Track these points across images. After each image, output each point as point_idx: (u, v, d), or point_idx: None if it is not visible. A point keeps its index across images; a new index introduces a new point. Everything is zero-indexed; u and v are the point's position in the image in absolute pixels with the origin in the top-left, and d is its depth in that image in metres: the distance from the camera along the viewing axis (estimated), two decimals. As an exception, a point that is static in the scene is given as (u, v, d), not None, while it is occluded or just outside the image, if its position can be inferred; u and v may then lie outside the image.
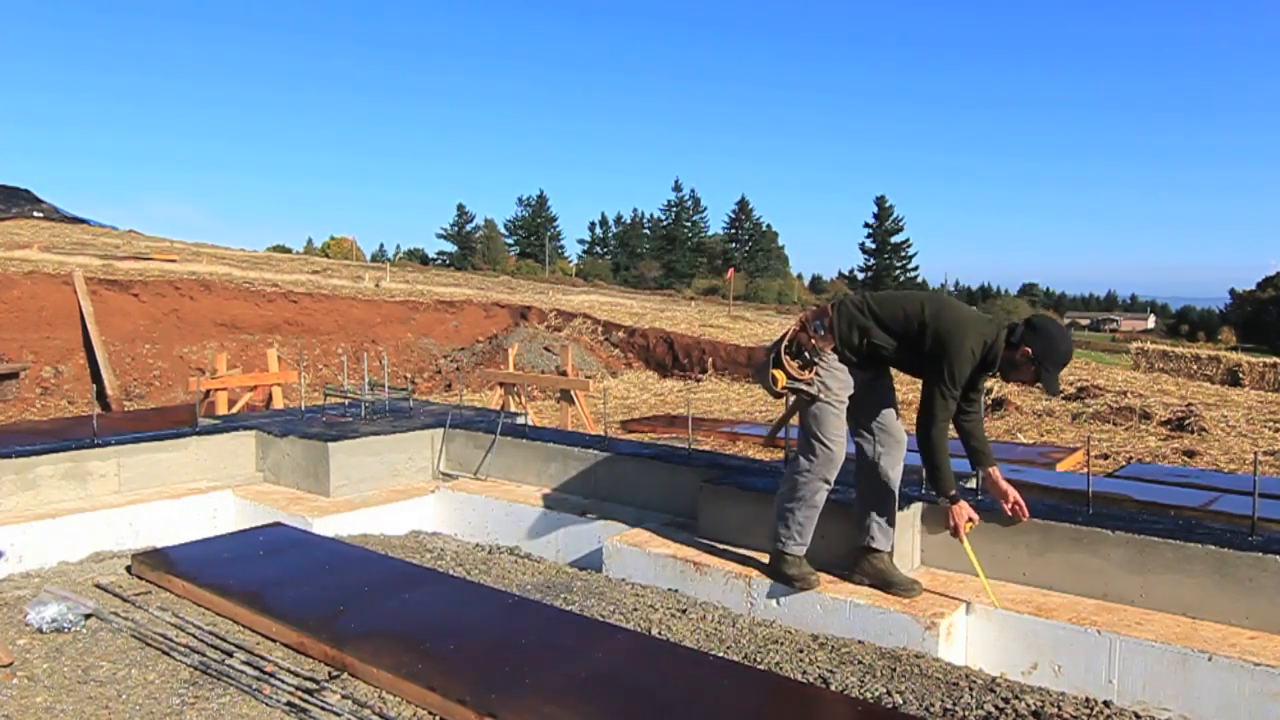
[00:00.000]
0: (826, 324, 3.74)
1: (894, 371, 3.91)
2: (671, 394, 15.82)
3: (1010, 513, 3.70)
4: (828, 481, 3.76)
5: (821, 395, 3.71)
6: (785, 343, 3.76)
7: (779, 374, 3.71)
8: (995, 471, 3.74)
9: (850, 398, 3.76)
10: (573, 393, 11.24)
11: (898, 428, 3.84)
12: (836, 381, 3.73)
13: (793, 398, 3.84)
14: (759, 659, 3.28)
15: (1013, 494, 3.70)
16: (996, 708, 2.88)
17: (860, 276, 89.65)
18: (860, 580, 3.75)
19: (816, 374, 3.72)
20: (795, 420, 4.05)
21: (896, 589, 3.63)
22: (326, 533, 4.85)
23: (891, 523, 3.77)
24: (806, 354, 3.71)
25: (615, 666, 2.99)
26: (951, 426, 3.71)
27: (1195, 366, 22.44)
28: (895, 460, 3.78)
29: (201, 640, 3.25)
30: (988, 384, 14.38)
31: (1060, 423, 12.14)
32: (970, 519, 3.63)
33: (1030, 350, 3.52)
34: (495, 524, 5.27)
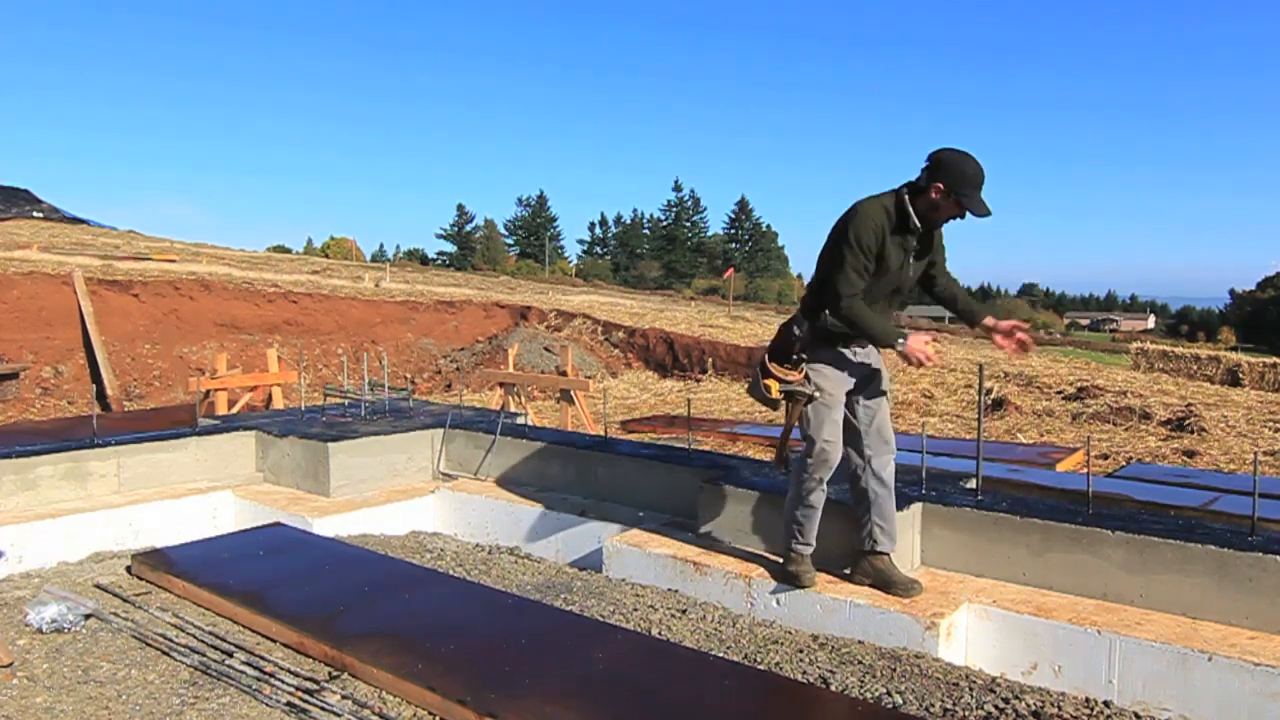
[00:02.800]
0: (803, 324, 3.72)
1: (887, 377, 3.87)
2: (671, 394, 15.83)
3: (1016, 344, 3.60)
4: (822, 481, 3.74)
5: (815, 395, 3.69)
6: (770, 351, 3.76)
7: (771, 382, 3.70)
8: (991, 318, 3.69)
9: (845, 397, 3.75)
10: (573, 393, 11.24)
11: (888, 431, 3.82)
12: (828, 380, 3.71)
13: (789, 405, 3.81)
14: (759, 659, 3.28)
15: (1007, 324, 3.64)
16: (996, 708, 2.88)
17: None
18: (861, 580, 3.75)
19: (806, 375, 3.70)
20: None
21: (897, 589, 3.62)
22: (326, 533, 4.85)
23: (892, 523, 3.76)
24: (793, 356, 3.70)
25: (615, 667, 2.99)
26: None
27: (1195, 366, 22.44)
28: (886, 462, 3.75)
29: (201, 640, 3.25)
30: (989, 386, 14.38)
31: (1060, 423, 12.14)
32: (928, 341, 3.56)
33: (941, 184, 3.42)
34: (495, 524, 5.27)
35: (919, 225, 3.53)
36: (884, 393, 3.83)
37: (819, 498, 3.78)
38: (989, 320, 3.69)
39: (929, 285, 3.85)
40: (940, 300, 3.88)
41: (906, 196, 3.53)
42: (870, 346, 3.78)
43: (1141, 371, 21.06)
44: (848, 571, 3.83)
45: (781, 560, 3.91)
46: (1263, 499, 3.81)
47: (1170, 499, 6.16)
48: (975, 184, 3.45)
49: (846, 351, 3.74)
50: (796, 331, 3.74)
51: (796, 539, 3.82)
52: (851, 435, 3.77)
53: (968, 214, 3.49)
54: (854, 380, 3.77)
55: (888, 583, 3.66)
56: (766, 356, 3.73)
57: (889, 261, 3.56)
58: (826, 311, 3.64)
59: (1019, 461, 8.22)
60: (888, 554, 3.74)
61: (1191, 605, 3.35)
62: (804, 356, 3.69)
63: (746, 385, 3.89)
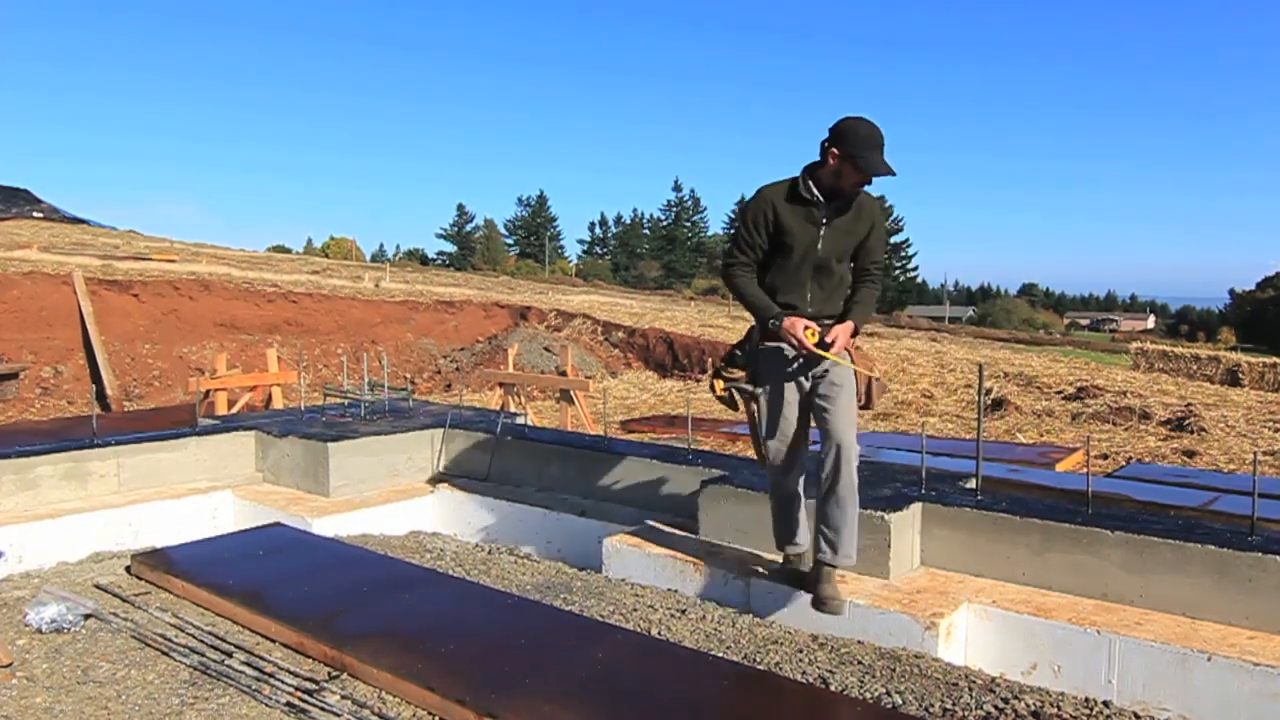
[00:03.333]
0: (794, 320, 3.58)
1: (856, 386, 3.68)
2: (671, 394, 15.83)
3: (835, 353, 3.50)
4: (781, 479, 3.74)
5: (757, 392, 3.67)
6: (725, 357, 3.81)
7: (716, 381, 3.73)
8: (841, 326, 3.54)
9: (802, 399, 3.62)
10: (572, 393, 11.24)
11: (842, 431, 3.57)
12: (770, 376, 3.66)
13: (745, 404, 3.79)
14: (759, 659, 3.28)
15: (840, 342, 3.51)
16: (996, 708, 2.88)
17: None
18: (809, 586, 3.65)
19: (755, 370, 3.68)
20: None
21: (823, 604, 3.48)
22: (326, 533, 4.85)
23: (840, 532, 3.55)
24: (739, 353, 3.72)
25: (615, 666, 2.99)
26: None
27: (1195, 366, 22.45)
28: (840, 464, 3.54)
29: (201, 640, 3.25)
30: (989, 386, 14.35)
31: (1060, 423, 12.14)
32: (808, 326, 3.46)
33: (837, 150, 3.40)
34: (495, 524, 5.27)
35: (818, 194, 3.48)
36: (840, 389, 3.60)
37: (790, 494, 3.79)
38: (839, 326, 3.56)
39: (855, 267, 3.71)
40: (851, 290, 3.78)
41: (805, 171, 3.55)
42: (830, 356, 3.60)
43: (1141, 371, 21.07)
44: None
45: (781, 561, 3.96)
46: (1262, 499, 3.81)
47: (1170, 499, 6.16)
48: (869, 145, 3.40)
49: (789, 346, 3.58)
50: (795, 321, 3.64)
51: (780, 540, 3.89)
52: (818, 435, 3.66)
53: (871, 176, 3.43)
54: (800, 375, 3.63)
55: (820, 598, 3.50)
56: (721, 359, 3.80)
57: (794, 234, 3.51)
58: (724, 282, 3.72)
59: (1019, 461, 8.23)
60: (830, 565, 3.57)
61: (1191, 605, 3.35)
62: (751, 351, 3.70)
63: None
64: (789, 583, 3.82)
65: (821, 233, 3.55)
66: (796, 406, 3.67)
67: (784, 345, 3.60)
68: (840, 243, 3.60)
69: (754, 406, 3.74)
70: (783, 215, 3.54)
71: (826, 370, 3.61)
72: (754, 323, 3.72)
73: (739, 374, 3.71)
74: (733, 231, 3.73)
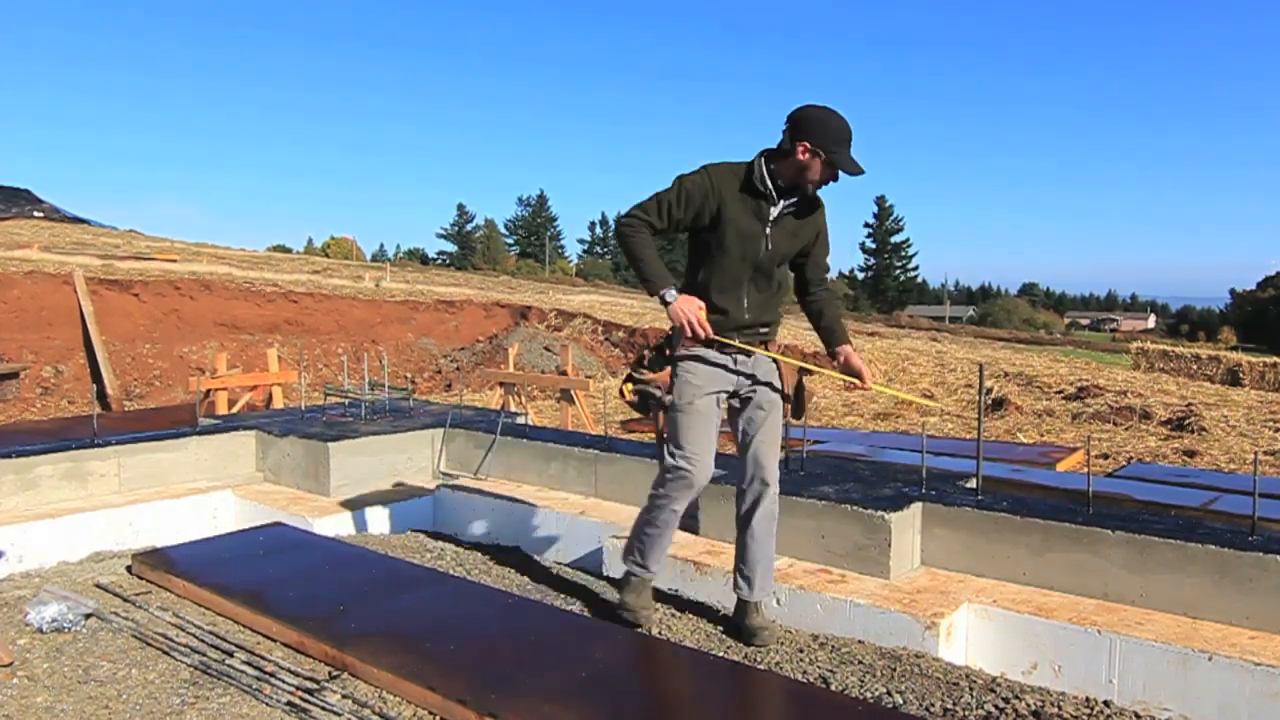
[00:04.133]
0: (688, 302, 3.22)
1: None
2: (671, 394, 15.80)
3: (860, 384, 3.27)
4: (672, 502, 3.30)
5: (667, 400, 3.24)
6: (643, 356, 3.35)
7: (626, 385, 3.29)
8: (848, 349, 3.32)
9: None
10: (573, 392, 11.24)
11: (766, 457, 3.36)
12: (690, 386, 3.23)
13: (655, 412, 3.34)
14: (759, 659, 3.28)
15: (865, 371, 3.29)
16: (996, 708, 2.88)
17: (860, 276, 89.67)
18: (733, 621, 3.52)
19: (673, 376, 3.25)
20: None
21: (755, 639, 3.38)
22: (326, 533, 4.85)
23: (756, 569, 3.40)
24: (656, 354, 3.29)
25: (615, 666, 2.99)
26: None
27: (1195, 366, 22.45)
28: (759, 494, 3.35)
29: (202, 640, 3.25)
30: (989, 385, 14.34)
31: (1060, 423, 12.14)
32: (700, 307, 3.15)
33: (808, 142, 3.07)
34: (495, 524, 5.27)
35: (772, 188, 3.17)
36: (767, 415, 3.32)
37: (668, 519, 3.34)
38: (847, 354, 3.32)
39: (800, 279, 3.41)
40: (805, 310, 3.46)
41: (763, 159, 3.19)
42: (756, 349, 3.32)
43: (1142, 371, 21.07)
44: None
45: (620, 580, 3.56)
46: (1263, 499, 3.81)
47: (1170, 499, 6.16)
48: (841, 139, 3.11)
49: (714, 352, 3.25)
50: (671, 328, 3.29)
51: (635, 559, 3.44)
52: (738, 459, 3.39)
53: (839, 173, 3.15)
54: (727, 387, 3.30)
55: (739, 629, 3.41)
56: (638, 360, 3.35)
57: (739, 229, 3.15)
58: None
59: (1019, 461, 8.22)
60: (749, 600, 3.40)
61: (1192, 605, 3.35)
62: (671, 354, 3.26)
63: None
64: (734, 633, 3.44)
65: (768, 231, 3.20)
66: (714, 425, 3.30)
67: (708, 353, 3.24)
68: (785, 245, 3.26)
69: (665, 417, 3.29)
70: (729, 206, 3.15)
71: (754, 391, 3.31)
72: (683, 297, 3.23)
73: (652, 377, 3.27)
74: (657, 192, 3.15)
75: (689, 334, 3.17)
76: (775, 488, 3.35)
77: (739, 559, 3.42)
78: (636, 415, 13.60)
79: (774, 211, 3.20)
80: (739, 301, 3.25)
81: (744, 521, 3.38)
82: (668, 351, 3.31)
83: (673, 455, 3.27)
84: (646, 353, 3.39)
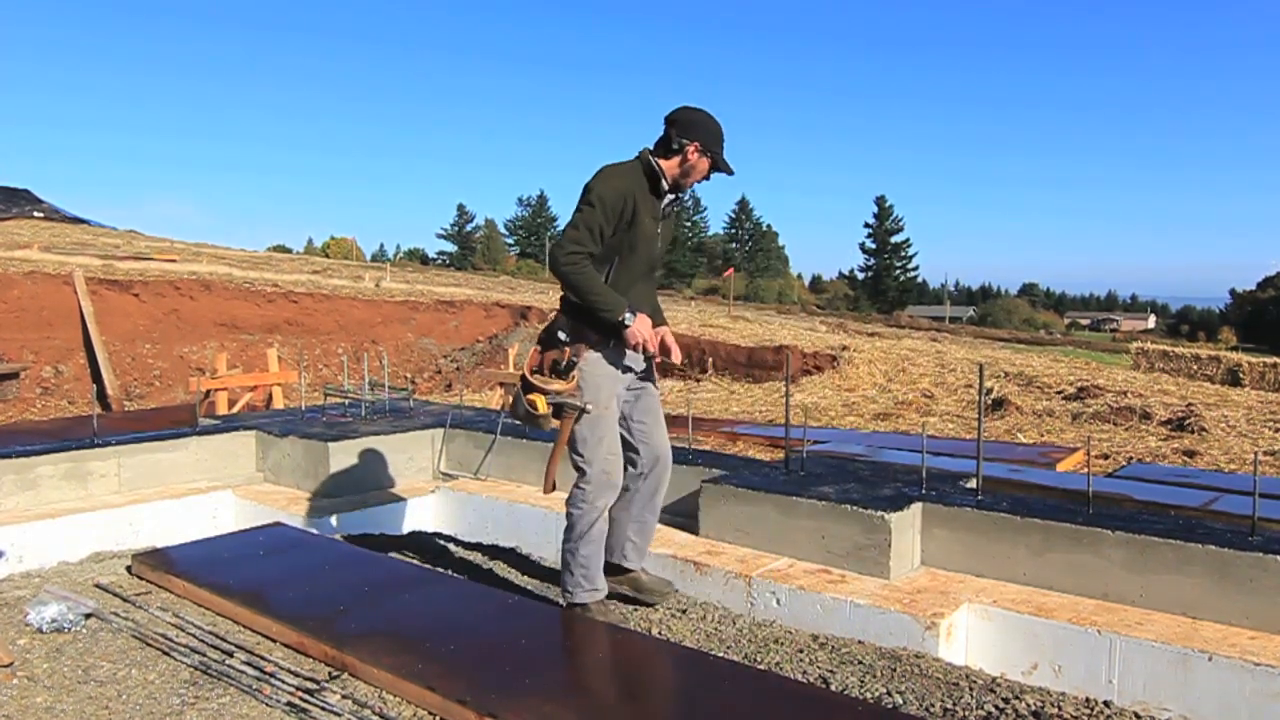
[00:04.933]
0: (567, 326, 3.31)
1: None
2: (671, 394, 15.81)
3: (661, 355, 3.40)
4: (602, 509, 3.38)
5: (588, 407, 3.27)
6: (530, 363, 3.34)
7: (536, 398, 3.22)
8: (665, 330, 3.43)
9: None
10: (573, 393, 11.22)
11: (662, 442, 3.58)
12: (600, 389, 3.31)
13: (561, 421, 3.32)
14: (759, 659, 3.28)
15: (676, 349, 3.39)
16: (996, 708, 2.88)
17: (860, 276, 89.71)
18: (616, 586, 3.65)
19: (579, 383, 3.28)
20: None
21: (653, 595, 3.71)
22: (326, 533, 4.85)
23: (646, 539, 3.70)
24: (561, 364, 3.26)
25: (616, 666, 2.99)
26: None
27: (1195, 366, 22.45)
28: (660, 478, 3.60)
29: (202, 640, 3.25)
30: (989, 385, 14.36)
31: (1060, 423, 12.14)
32: (649, 323, 3.26)
33: (698, 143, 3.27)
34: (495, 524, 5.27)
35: (669, 189, 3.33)
36: (657, 402, 3.52)
37: (602, 529, 3.41)
38: (665, 330, 3.46)
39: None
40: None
41: (653, 158, 3.30)
42: (634, 356, 3.43)
43: (1142, 371, 21.06)
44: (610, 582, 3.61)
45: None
46: (1263, 499, 3.80)
47: (1170, 499, 6.15)
48: (722, 140, 3.35)
49: (614, 352, 3.36)
50: (562, 335, 3.31)
51: (583, 586, 3.40)
52: (628, 449, 3.48)
53: (715, 173, 3.36)
54: (626, 386, 3.46)
55: (640, 588, 3.66)
56: (526, 369, 3.31)
57: (644, 229, 3.26)
58: (560, 274, 3.25)
59: (1019, 461, 8.21)
60: (637, 570, 3.69)
61: (1192, 605, 3.35)
62: (574, 361, 3.27)
63: (514, 413, 3.36)
64: (635, 593, 3.68)
65: (659, 230, 3.37)
66: (618, 422, 3.43)
67: (614, 353, 3.34)
68: (667, 240, 3.47)
69: (581, 426, 3.30)
70: (640, 208, 3.24)
71: (645, 384, 3.49)
72: (559, 330, 3.31)
73: (564, 386, 3.23)
74: (578, 213, 3.20)
75: (648, 351, 3.32)
76: (668, 470, 3.63)
77: (637, 536, 3.63)
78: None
79: (662, 209, 3.37)
80: (642, 298, 3.40)
81: (648, 503, 3.60)
82: (565, 359, 3.30)
83: (594, 460, 3.35)
84: (543, 364, 3.33)
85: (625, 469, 3.49)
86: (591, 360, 3.32)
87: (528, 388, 3.26)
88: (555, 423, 3.32)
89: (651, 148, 3.35)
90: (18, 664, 3.06)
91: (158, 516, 5.10)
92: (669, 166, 3.31)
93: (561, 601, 3.55)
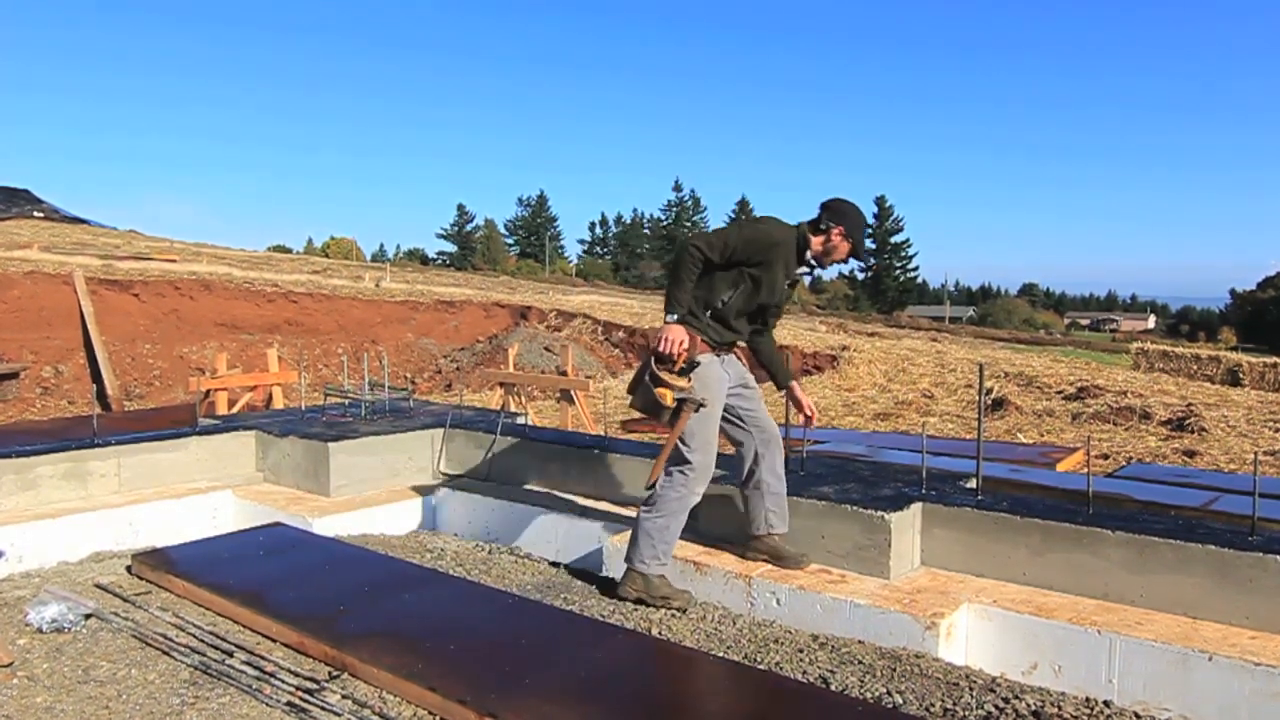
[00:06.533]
0: (686, 331, 3.67)
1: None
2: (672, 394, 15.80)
3: (804, 422, 4.09)
4: (699, 495, 3.82)
5: (704, 403, 3.68)
6: (654, 360, 3.64)
7: (664, 391, 3.59)
8: (795, 386, 4.09)
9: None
10: (573, 393, 11.24)
11: (772, 426, 4.01)
12: (714, 389, 3.77)
13: (675, 414, 3.68)
14: (759, 659, 3.28)
15: (808, 404, 4.08)
16: (996, 708, 2.88)
17: (860, 276, 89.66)
18: (755, 556, 3.97)
19: (698, 382, 3.67)
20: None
21: (789, 562, 3.88)
22: (326, 533, 4.85)
23: (784, 507, 3.99)
24: (682, 363, 3.61)
25: (615, 666, 2.99)
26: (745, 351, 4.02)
27: (1195, 366, 22.45)
28: (776, 454, 3.97)
29: (202, 640, 3.25)
30: (989, 386, 14.36)
31: (1060, 423, 12.14)
32: (684, 342, 3.58)
33: (844, 228, 3.78)
34: (495, 524, 5.27)
35: (810, 260, 3.84)
36: (756, 394, 3.98)
37: (685, 513, 3.84)
38: (794, 390, 4.10)
39: (753, 331, 4.00)
40: (752, 349, 4.06)
41: (805, 231, 3.81)
42: (735, 353, 3.96)
43: (1142, 371, 21.06)
44: (742, 552, 4.03)
45: (628, 584, 3.83)
46: (1263, 499, 3.80)
47: (1170, 499, 6.14)
48: (864, 232, 3.91)
49: (725, 357, 3.89)
50: (712, 335, 3.80)
51: (659, 560, 3.81)
52: (743, 435, 3.95)
53: (852, 260, 3.89)
54: (730, 384, 3.89)
55: (780, 556, 3.92)
56: (654, 362, 3.63)
57: (774, 277, 3.75)
58: (714, 315, 3.78)
59: (1019, 461, 8.21)
60: (780, 534, 3.98)
61: (1192, 605, 3.35)
62: (697, 363, 3.65)
63: (632, 399, 3.79)
64: (774, 560, 3.92)
65: (785, 287, 3.88)
66: (728, 412, 3.93)
67: (725, 358, 3.87)
68: (786, 297, 3.96)
69: (693, 420, 3.69)
70: (778, 260, 3.75)
71: (746, 381, 3.97)
72: (684, 327, 3.65)
73: (687, 385, 3.61)
74: (724, 227, 3.80)
75: (666, 352, 3.60)
76: (781, 448, 4.01)
77: (773, 504, 3.96)
78: (637, 416, 13.59)
79: (796, 272, 3.88)
80: (745, 327, 3.92)
81: (774, 476, 3.95)
82: (681, 362, 3.67)
83: (699, 449, 3.76)
84: (671, 363, 3.67)
85: (742, 447, 3.96)
86: (706, 362, 3.76)
87: (656, 381, 3.61)
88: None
89: (808, 223, 3.85)
90: (18, 664, 3.06)
91: (158, 516, 5.09)
92: (815, 242, 3.80)
93: (629, 564, 3.86)
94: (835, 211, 3.80)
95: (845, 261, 3.90)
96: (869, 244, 4.05)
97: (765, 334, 4.06)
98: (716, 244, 3.68)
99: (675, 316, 3.64)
